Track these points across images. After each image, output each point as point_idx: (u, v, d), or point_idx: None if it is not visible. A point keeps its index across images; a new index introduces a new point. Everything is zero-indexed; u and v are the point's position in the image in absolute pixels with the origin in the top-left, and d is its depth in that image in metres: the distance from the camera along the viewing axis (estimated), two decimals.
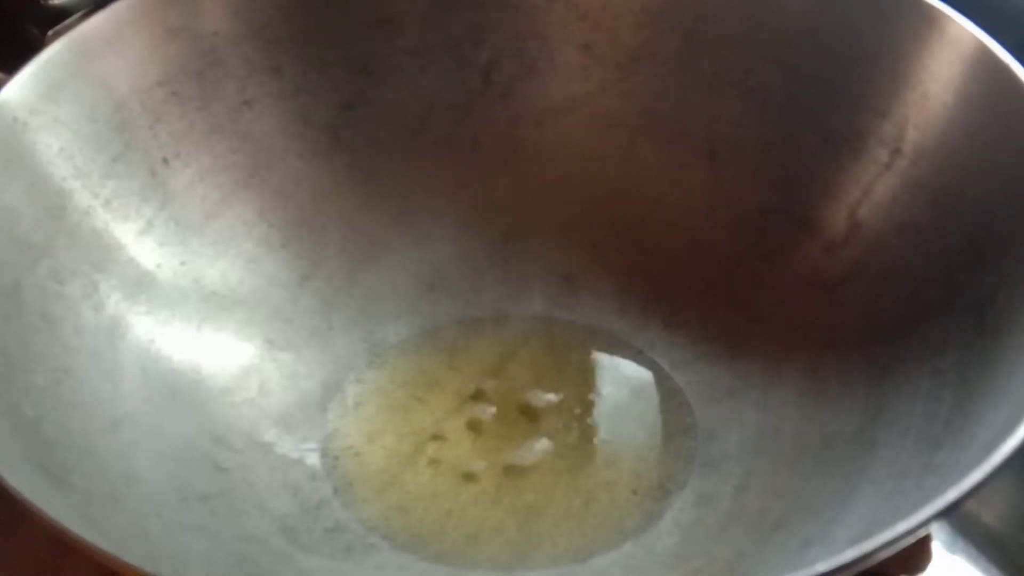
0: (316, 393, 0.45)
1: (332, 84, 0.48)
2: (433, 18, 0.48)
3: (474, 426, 0.44)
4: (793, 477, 0.41)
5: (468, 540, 0.41)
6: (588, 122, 0.48)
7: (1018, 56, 0.41)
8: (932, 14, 0.43)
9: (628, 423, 0.44)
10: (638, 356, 0.46)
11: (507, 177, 0.48)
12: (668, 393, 0.45)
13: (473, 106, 0.48)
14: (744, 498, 0.41)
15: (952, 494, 0.33)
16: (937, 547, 0.41)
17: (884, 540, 0.32)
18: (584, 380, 0.45)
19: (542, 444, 0.43)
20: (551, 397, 0.44)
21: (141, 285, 0.44)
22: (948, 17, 0.43)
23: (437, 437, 0.44)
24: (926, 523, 0.32)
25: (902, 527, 0.32)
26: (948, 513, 0.33)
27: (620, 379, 0.45)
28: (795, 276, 0.45)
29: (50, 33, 0.47)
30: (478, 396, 0.45)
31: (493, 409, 0.44)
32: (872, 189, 0.44)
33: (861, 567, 0.32)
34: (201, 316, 0.45)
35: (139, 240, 0.44)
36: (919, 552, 0.40)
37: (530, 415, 0.44)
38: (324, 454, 0.43)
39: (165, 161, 0.45)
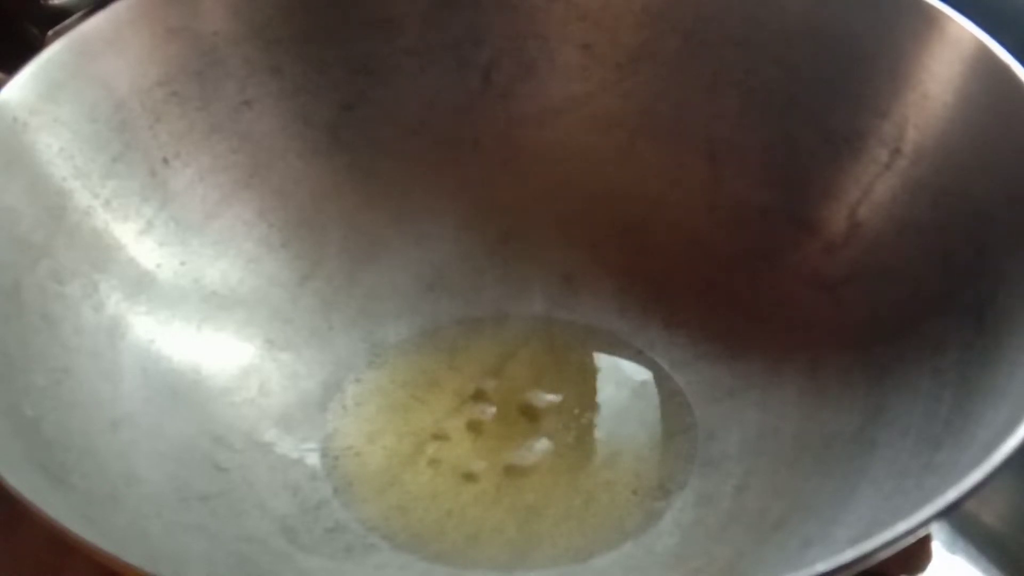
0: (316, 393, 0.45)
1: (332, 84, 0.48)
2: (433, 18, 0.48)
3: (474, 426, 0.44)
4: (793, 477, 0.41)
5: (468, 540, 0.41)
6: (588, 122, 0.48)
7: (1018, 56, 0.41)
8: (932, 14, 0.43)
9: (628, 423, 0.44)
10: (638, 356, 0.46)
11: (507, 177, 0.48)
12: (668, 393, 0.45)
13: (473, 106, 0.48)
14: (744, 498, 0.41)
15: (952, 494, 0.33)
16: (937, 547, 0.41)
17: (884, 540, 0.32)
18: (584, 380, 0.45)
19: (542, 444, 0.43)
20: (551, 397, 0.44)
21: (141, 285, 0.44)
22: (948, 17, 0.43)
23: (437, 437, 0.44)
24: (926, 523, 0.32)
25: (902, 527, 0.32)
26: (948, 513, 0.33)
27: (620, 379, 0.45)
28: (795, 276, 0.45)
29: (50, 33, 0.47)
30: (478, 396, 0.45)
31: (493, 409, 0.44)
32: (872, 189, 0.44)
33: (861, 567, 0.32)
34: (201, 316, 0.45)
35: (139, 240, 0.44)
36: (919, 552, 0.40)
37: (530, 415, 0.44)
38: (324, 454, 0.43)
39: (165, 161, 0.45)
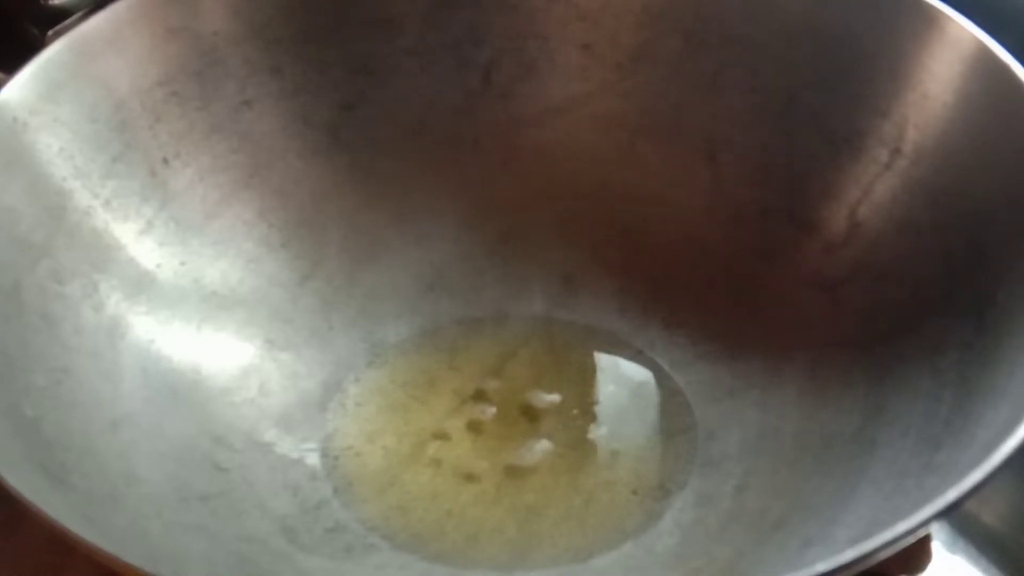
0: (316, 393, 0.45)
1: (332, 84, 0.48)
2: (433, 18, 0.48)
3: (474, 426, 0.44)
4: (793, 477, 0.41)
5: (468, 540, 0.41)
6: (588, 122, 0.48)
7: (1018, 56, 0.41)
8: (932, 14, 0.43)
9: (628, 423, 0.44)
10: (638, 356, 0.46)
11: (507, 177, 0.48)
12: (668, 393, 0.45)
13: (473, 106, 0.48)
14: (744, 498, 0.41)
15: (952, 494, 0.33)
16: (937, 547, 0.41)
17: (884, 540, 0.32)
18: (584, 380, 0.45)
19: (542, 444, 0.43)
20: (551, 397, 0.44)
21: (141, 285, 0.44)
22: (948, 17, 0.43)
23: (437, 437, 0.44)
24: (926, 523, 0.32)
25: (902, 527, 0.32)
26: (948, 513, 0.33)
27: (620, 379, 0.45)
28: (795, 276, 0.45)
29: (50, 33, 0.47)
30: (478, 396, 0.45)
31: (493, 409, 0.44)
32: (872, 189, 0.44)
33: (861, 567, 0.32)
34: (201, 316, 0.45)
35: (139, 240, 0.44)
36: (919, 552, 0.40)
37: (530, 415, 0.44)
38: (324, 454, 0.43)
39: (165, 161, 0.45)
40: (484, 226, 0.48)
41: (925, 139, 0.43)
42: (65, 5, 0.49)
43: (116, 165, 0.44)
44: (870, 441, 0.40)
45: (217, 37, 0.46)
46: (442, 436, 0.44)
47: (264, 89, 0.47)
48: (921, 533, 0.33)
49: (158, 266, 0.44)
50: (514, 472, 0.42)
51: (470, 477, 0.42)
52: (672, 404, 0.44)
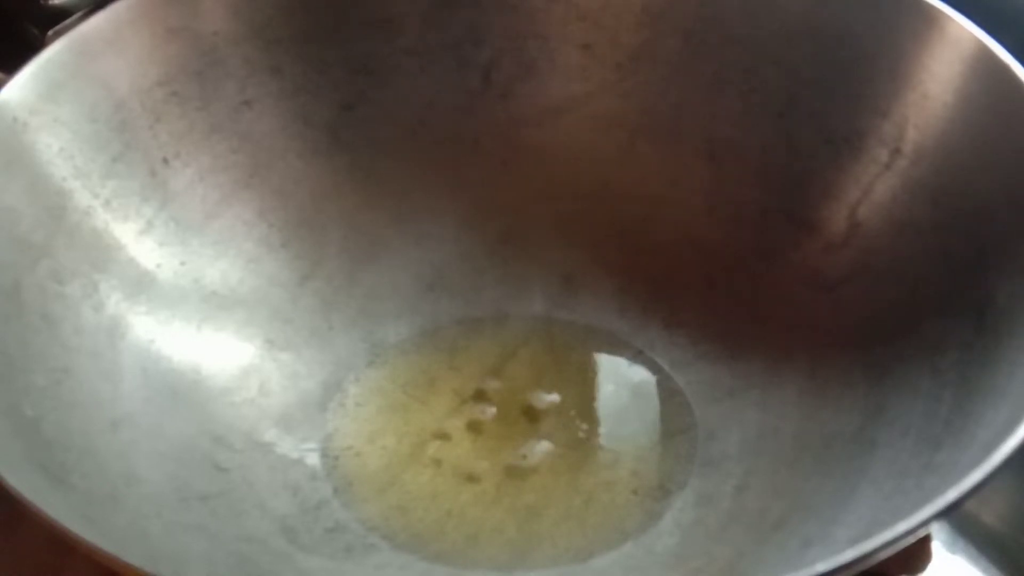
0: (316, 393, 0.45)
1: (332, 84, 0.48)
2: (433, 18, 0.48)
3: (474, 426, 0.44)
4: (793, 477, 0.41)
5: (468, 540, 0.41)
6: (588, 122, 0.48)
7: (1018, 56, 0.41)
8: (932, 14, 0.43)
9: (628, 423, 0.44)
10: (638, 356, 0.46)
11: (507, 177, 0.48)
12: (668, 393, 0.45)
13: (473, 106, 0.48)
14: (744, 498, 0.41)
15: (952, 494, 0.33)
16: (937, 547, 0.41)
17: (884, 540, 0.32)
18: (584, 380, 0.45)
19: (542, 444, 0.43)
20: (551, 397, 0.44)
21: (141, 285, 0.44)
22: (948, 17, 0.43)
23: (437, 437, 0.44)
24: (926, 523, 0.32)
25: (902, 527, 0.32)
26: (948, 513, 0.33)
27: (620, 379, 0.45)
28: (795, 276, 0.45)
29: (50, 33, 0.47)
30: (478, 396, 0.45)
31: (493, 409, 0.44)
32: (872, 189, 0.44)
33: (861, 567, 0.32)
34: (201, 316, 0.45)
35: (139, 240, 0.44)
36: (919, 552, 0.40)
37: (530, 415, 0.44)
38: (324, 454, 0.43)
39: (165, 161, 0.45)
40: (484, 226, 0.48)
41: (925, 139, 0.43)
42: (65, 5, 0.49)
43: (116, 165, 0.44)
44: (870, 441, 0.40)
45: (217, 37, 0.46)
46: (442, 436, 0.43)
47: (264, 89, 0.47)
48: (921, 533, 0.33)
49: (158, 266, 0.44)
50: (514, 472, 0.42)
51: (470, 477, 0.42)
52: (672, 404, 0.44)
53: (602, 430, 0.44)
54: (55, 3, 0.49)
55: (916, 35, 0.44)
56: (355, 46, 0.48)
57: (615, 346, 0.46)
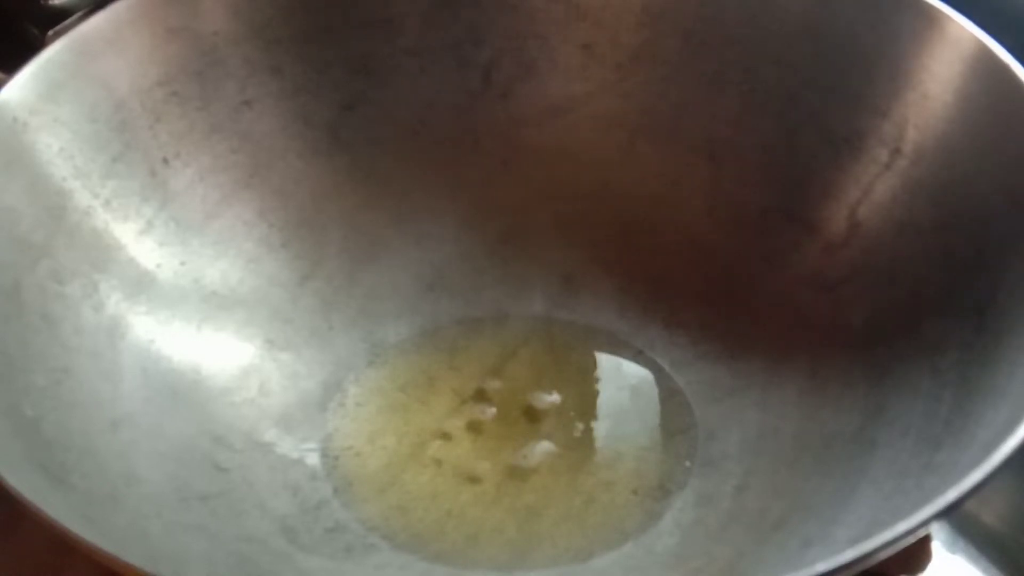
0: (316, 393, 0.45)
1: (332, 84, 0.48)
2: (433, 18, 0.48)
3: (474, 426, 0.44)
4: (793, 477, 0.41)
5: (468, 540, 0.41)
6: (588, 122, 0.48)
7: (1018, 56, 0.41)
8: (932, 14, 0.43)
9: (628, 423, 0.44)
10: (638, 356, 0.46)
11: (507, 177, 0.48)
12: (668, 393, 0.45)
13: (473, 106, 0.48)
14: (744, 498, 0.41)
15: (952, 494, 0.33)
16: (937, 547, 0.41)
17: (884, 540, 0.32)
18: (584, 380, 0.45)
19: (542, 444, 0.43)
20: (551, 397, 0.44)
21: (141, 285, 0.44)
22: (948, 17, 0.43)
23: (437, 437, 0.44)
24: (926, 523, 0.32)
25: (902, 527, 0.32)
26: (948, 513, 0.33)
27: (620, 379, 0.45)
28: (795, 276, 0.45)
29: (50, 33, 0.47)
30: (478, 396, 0.45)
31: (493, 409, 0.44)
32: (872, 189, 0.44)
33: (861, 567, 0.32)
34: (201, 316, 0.45)
35: (139, 240, 0.44)
36: (919, 552, 0.40)
37: (530, 415, 0.44)
38: (324, 454, 0.43)
39: (165, 161, 0.45)
40: (484, 226, 0.48)
41: (925, 139, 0.43)
42: (65, 5, 0.49)
43: (116, 165, 0.44)
44: (870, 441, 0.40)
45: (217, 37, 0.46)
46: (442, 436, 0.44)
47: (264, 89, 0.47)
48: (921, 533, 0.33)
49: (158, 266, 0.44)
50: (514, 472, 0.42)
51: (470, 477, 0.42)
52: (672, 404, 0.44)
53: (602, 430, 0.44)
54: (55, 3, 0.49)
55: (916, 35, 0.44)
56: (355, 46, 0.48)
57: (615, 346, 0.46)
